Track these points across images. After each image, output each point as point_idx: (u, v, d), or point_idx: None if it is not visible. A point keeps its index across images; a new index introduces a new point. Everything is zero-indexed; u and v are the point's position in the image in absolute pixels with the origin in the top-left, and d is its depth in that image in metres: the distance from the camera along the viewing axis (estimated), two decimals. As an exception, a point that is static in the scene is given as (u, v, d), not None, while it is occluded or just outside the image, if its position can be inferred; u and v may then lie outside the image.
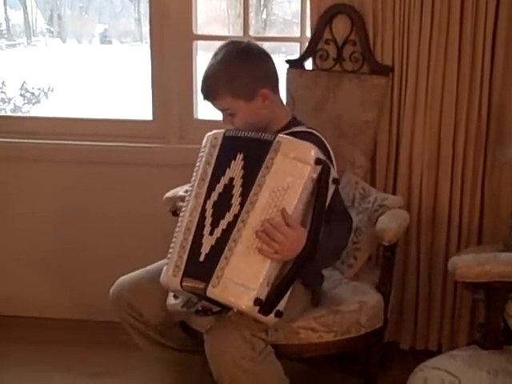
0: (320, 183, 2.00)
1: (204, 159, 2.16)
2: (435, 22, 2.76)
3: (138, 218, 3.29)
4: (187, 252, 2.07)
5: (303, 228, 2.00)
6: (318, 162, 2.00)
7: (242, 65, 2.23)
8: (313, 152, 2.01)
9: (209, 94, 2.27)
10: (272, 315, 2.01)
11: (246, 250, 1.99)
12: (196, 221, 2.09)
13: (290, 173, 2.00)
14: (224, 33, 4.22)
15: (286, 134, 2.15)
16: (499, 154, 2.79)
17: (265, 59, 2.30)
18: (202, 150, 2.19)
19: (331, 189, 2.05)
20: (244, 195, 2.04)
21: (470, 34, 2.75)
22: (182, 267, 2.06)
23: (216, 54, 2.27)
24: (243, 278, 1.97)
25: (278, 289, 2.00)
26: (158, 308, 2.32)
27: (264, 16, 4.54)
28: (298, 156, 2.01)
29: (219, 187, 2.09)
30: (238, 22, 3.25)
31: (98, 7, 5.33)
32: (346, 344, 2.39)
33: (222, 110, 2.28)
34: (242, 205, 2.03)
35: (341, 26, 2.89)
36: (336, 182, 2.08)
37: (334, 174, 2.06)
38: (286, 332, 2.28)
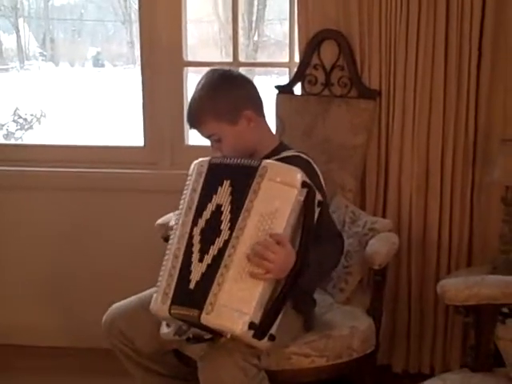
0: (307, 205, 2.03)
1: (190, 187, 2.17)
2: (421, 45, 2.80)
3: (131, 244, 3.28)
4: (175, 280, 2.07)
5: (292, 247, 2.01)
6: (304, 184, 2.03)
7: (223, 88, 2.26)
8: (299, 175, 2.04)
9: (193, 121, 2.30)
10: (265, 339, 2.01)
11: (237, 275, 1.99)
12: (183, 248, 2.10)
13: (278, 197, 2.02)
14: (216, 55, 4.26)
15: (275, 160, 2.18)
16: (486, 174, 2.81)
17: (246, 83, 2.33)
18: (189, 178, 2.20)
19: (316, 212, 2.07)
20: (233, 221, 2.05)
21: (456, 58, 2.79)
22: (171, 295, 2.06)
23: (198, 84, 2.31)
24: (236, 303, 1.98)
25: (271, 311, 2.00)
26: (151, 336, 2.32)
27: (256, 38, 4.58)
28: (285, 180, 2.03)
29: (206, 214, 2.10)
30: (230, 44, 3.28)
31: (91, 30, 5.36)
32: (339, 368, 2.39)
33: (208, 137, 2.30)
34: (231, 230, 2.04)
35: (328, 52, 2.92)
36: (320, 204, 2.09)
37: (318, 197, 2.08)
38: (278, 357, 2.28)
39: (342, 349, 2.37)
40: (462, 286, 2.11)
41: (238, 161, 2.14)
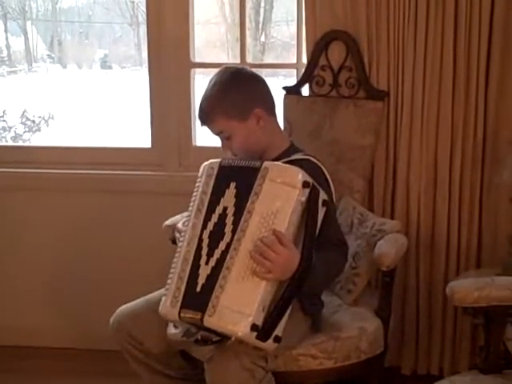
0: (310, 205, 2.02)
1: (200, 189, 2.17)
2: (429, 46, 2.78)
3: (138, 246, 3.28)
4: (185, 283, 2.07)
5: (295, 248, 2.01)
6: (305, 184, 2.02)
7: (234, 85, 2.27)
8: (300, 176, 2.03)
9: (204, 118, 2.30)
10: (270, 341, 2.01)
11: (239, 277, 1.99)
12: (193, 251, 2.10)
13: (279, 197, 2.02)
14: (223, 57, 4.25)
15: (285, 162, 2.17)
16: (495, 175, 2.80)
17: (258, 82, 2.33)
18: (199, 179, 2.20)
19: (321, 211, 2.07)
20: (235, 223, 2.05)
21: (464, 58, 2.77)
22: (180, 298, 2.07)
23: (210, 81, 2.31)
24: (238, 305, 1.97)
25: (274, 313, 2.00)
26: (159, 337, 2.32)
27: (263, 39, 4.58)
28: (286, 180, 2.03)
29: (214, 217, 2.10)
30: (237, 45, 3.28)
31: (98, 33, 5.37)
32: (347, 370, 2.38)
33: (218, 134, 2.30)
34: (233, 232, 2.05)
35: (336, 52, 2.92)
36: (326, 203, 2.08)
37: (323, 196, 2.07)
38: (286, 359, 2.28)
39: (350, 350, 2.36)
40: (471, 288, 2.10)
41: (243, 162, 2.15)
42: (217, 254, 2.05)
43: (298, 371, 2.31)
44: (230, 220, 2.07)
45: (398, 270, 2.60)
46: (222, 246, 2.05)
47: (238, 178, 2.12)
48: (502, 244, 2.82)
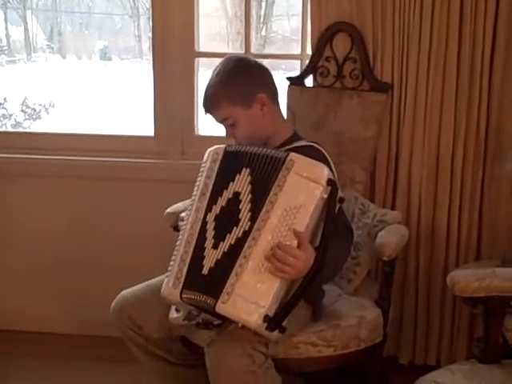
0: (329, 203, 2.01)
1: (205, 174, 2.17)
2: (434, 39, 2.80)
3: (140, 233, 3.29)
4: (187, 265, 2.08)
5: (311, 247, 2.01)
6: (329, 182, 2.01)
7: (238, 72, 2.29)
8: (325, 172, 2.02)
9: (208, 105, 2.31)
10: (276, 331, 2.02)
11: (256, 268, 1.99)
12: (197, 234, 2.10)
13: (303, 192, 2.00)
14: (224, 50, 4.25)
15: (288, 149, 2.17)
16: (497, 168, 2.81)
17: (262, 70, 2.35)
18: (203, 165, 2.20)
19: (337, 207, 2.07)
20: (254, 211, 2.03)
21: (469, 51, 2.78)
22: (182, 280, 2.07)
23: (214, 70, 2.33)
24: (254, 295, 1.97)
25: (286, 306, 2.01)
26: (159, 322, 2.33)
27: (263, 33, 4.58)
28: (311, 176, 2.01)
29: (222, 201, 2.09)
30: (238, 39, 3.29)
31: (98, 24, 5.35)
32: (346, 358, 2.40)
33: (222, 121, 2.31)
34: (252, 221, 2.02)
35: (341, 44, 2.93)
36: (342, 201, 2.09)
37: (340, 193, 2.07)
38: (286, 346, 2.29)
39: (349, 339, 2.37)
40: (472, 278, 2.11)
41: (260, 150, 2.12)
42: (230, 239, 2.04)
43: (297, 358, 2.32)
44: (246, 207, 2.04)
45: (397, 260, 2.61)
46: (238, 232, 2.03)
47: (252, 164, 2.09)
48: (501, 237, 2.84)
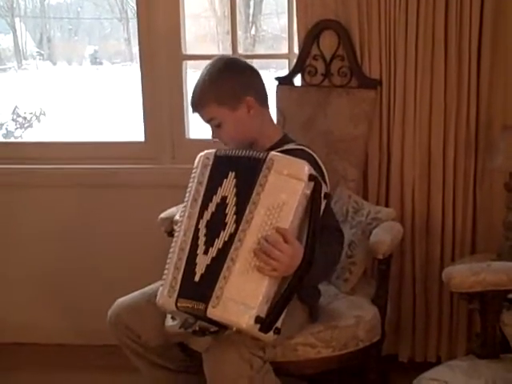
0: (313, 199, 2.01)
1: (196, 179, 2.16)
2: (420, 33, 2.79)
3: (134, 239, 3.28)
4: (181, 272, 2.07)
5: (299, 243, 2.01)
6: (311, 178, 2.01)
7: (227, 73, 2.28)
8: (306, 168, 2.02)
9: (196, 104, 2.30)
10: (271, 332, 2.01)
11: (244, 269, 1.98)
12: (190, 241, 2.09)
13: (284, 190, 2.00)
14: (214, 50, 4.23)
15: (278, 152, 2.16)
16: (488, 161, 2.80)
17: (251, 72, 2.34)
18: (194, 170, 2.19)
19: (323, 204, 2.06)
20: (238, 213, 2.03)
21: (456, 46, 2.78)
22: (177, 288, 2.06)
23: (204, 69, 2.32)
24: (243, 297, 1.97)
25: (277, 305, 2.00)
26: (156, 330, 2.31)
27: (253, 32, 4.56)
28: (292, 173, 2.01)
29: (211, 206, 2.09)
30: (228, 38, 3.27)
31: (88, 29, 5.34)
32: (345, 359, 2.39)
33: (208, 121, 2.30)
34: (237, 223, 2.02)
35: (328, 42, 2.92)
36: (327, 196, 2.09)
37: (325, 189, 2.07)
38: (284, 349, 2.28)
39: (347, 339, 2.37)
40: (467, 273, 2.10)
41: (244, 152, 2.12)
42: (218, 244, 2.04)
43: (296, 361, 2.32)
44: (231, 210, 2.05)
45: (393, 257, 2.61)
46: (225, 236, 2.03)
47: (237, 167, 2.10)
48: (496, 230, 2.83)
